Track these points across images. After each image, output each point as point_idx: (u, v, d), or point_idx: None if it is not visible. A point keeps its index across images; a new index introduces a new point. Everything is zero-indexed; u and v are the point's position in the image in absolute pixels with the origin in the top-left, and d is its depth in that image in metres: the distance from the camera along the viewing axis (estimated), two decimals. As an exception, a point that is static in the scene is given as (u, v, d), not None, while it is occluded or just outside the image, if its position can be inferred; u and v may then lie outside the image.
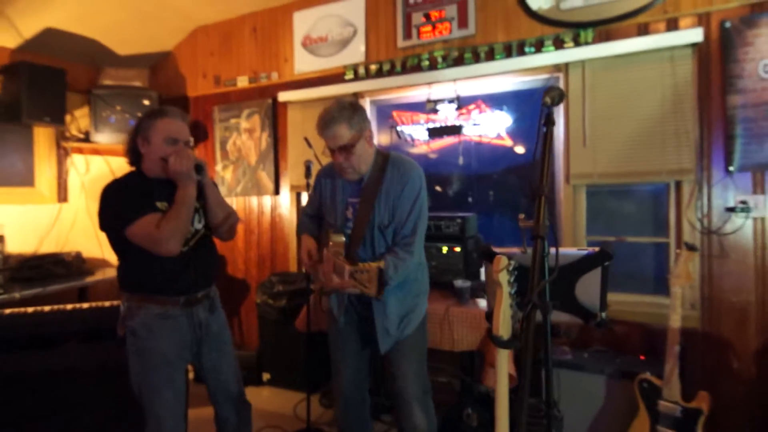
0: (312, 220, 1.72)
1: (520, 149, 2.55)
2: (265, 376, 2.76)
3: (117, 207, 1.42)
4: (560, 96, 1.06)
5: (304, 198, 2.91)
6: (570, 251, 0.99)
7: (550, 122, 1.02)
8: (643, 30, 2.13)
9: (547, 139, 1.00)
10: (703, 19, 2.03)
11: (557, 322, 0.99)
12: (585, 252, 0.97)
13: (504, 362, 0.90)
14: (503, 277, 0.85)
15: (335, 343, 1.67)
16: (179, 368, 1.50)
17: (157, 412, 1.45)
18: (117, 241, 1.46)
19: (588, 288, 0.98)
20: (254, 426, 1.73)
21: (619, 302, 2.17)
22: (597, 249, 0.98)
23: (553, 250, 0.87)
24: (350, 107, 1.48)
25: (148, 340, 1.45)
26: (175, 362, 1.48)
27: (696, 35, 1.99)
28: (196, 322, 1.51)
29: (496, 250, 0.96)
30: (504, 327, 0.85)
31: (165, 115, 1.48)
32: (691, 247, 1.81)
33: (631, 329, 2.10)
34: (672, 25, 2.08)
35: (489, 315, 0.86)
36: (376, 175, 1.51)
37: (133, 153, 1.50)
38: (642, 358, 1.99)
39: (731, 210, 1.96)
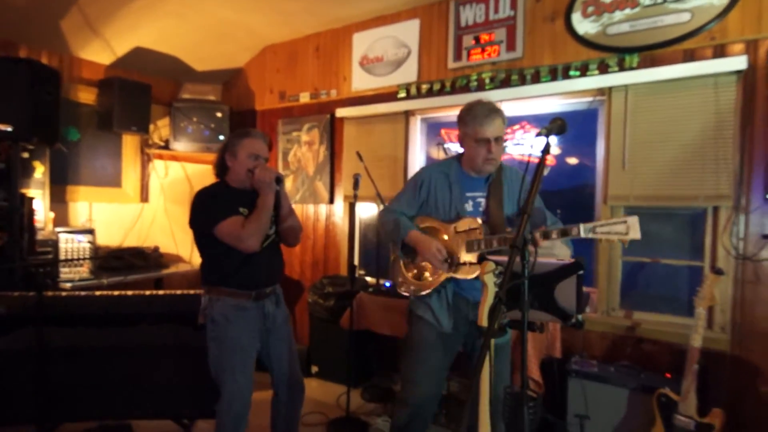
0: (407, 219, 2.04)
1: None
2: (314, 369, 3.60)
3: (208, 209, 1.94)
4: (560, 128, 1.33)
5: (358, 208, 3.60)
6: (549, 261, 1.52)
7: (545, 150, 1.31)
8: (689, 56, 2.58)
9: (540, 165, 1.30)
10: (750, 47, 2.44)
11: (536, 320, 1.52)
12: (561, 262, 1.50)
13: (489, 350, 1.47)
14: (489, 279, 1.44)
15: (424, 352, 1.94)
16: (250, 354, 1.99)
17: (230, 390, 1.93)
18: (203, 240, 1.98)
19: (566, 293, 1.47)
20: (302, 410, 2.26)
21: (650, 321, 2.67)
22: (572, 260, 1.50)
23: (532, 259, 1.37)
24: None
25: (225, 328, 1.93)
26: (247, 348, 1.97)
27: (740, 63, 2.41)
28: (265, 314, 2.03)
29: (490, 258, 1.53)
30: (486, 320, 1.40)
31: (250, 135, 2.04)
32: (717, 271, 2.26)
33: (661, 348, 2.57)
34: (719, 52, 2.51)
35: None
36: (497, 173, 1.98)
37: (221, 166, 2.06)
38: (668, 375, 2.44)
39: (767, 237, 2.34)
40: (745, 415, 2.37)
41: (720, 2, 2.48)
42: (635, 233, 1.57)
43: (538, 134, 1.35)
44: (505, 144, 2.02)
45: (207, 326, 1.99)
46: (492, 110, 1.88)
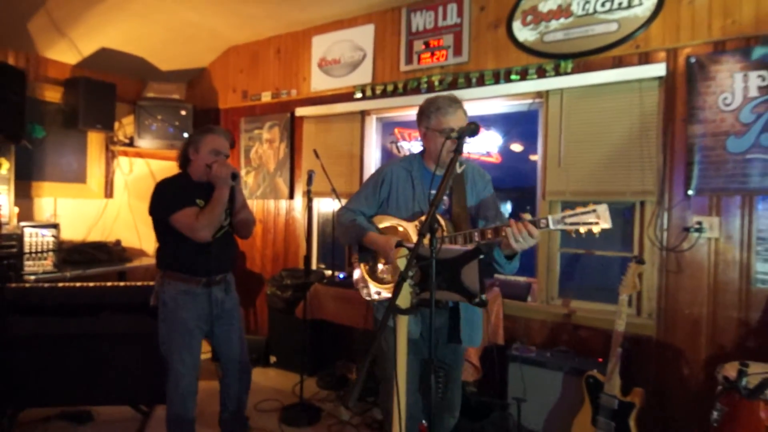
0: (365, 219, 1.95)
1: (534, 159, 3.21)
2: (272, 359, 3.67)
3: (166, 198, 2.06)
4: (472, 131, 1.44)
5: (317, 204, 3.72)
6: (455, 247, 1.64)
7: (457, 150, 1.46)
8: (617, 62, 2.77)
9: (452, 163, 1.42)
10: (671, 55, 2.63)
11: (444, 299, 1.58)
12: (464, 249, 1.62)
13: (403, 327, 1.58)
14: (401, 262, 1.56)
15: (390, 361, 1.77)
16: (197, 336, 2.13)
17: (176, 368, 2.08)
18: (160, 226, 2.09)
19: (470, 275, 1.57)
20: (256, 398, 2.37)
21: (585, 309, 2.82)
22: (473, 246, 1.62)
23: (438, 245, 1.48)
24: None
25: (174, 310, 2.07)
26: (194, 330, 2.11)
27: (659, 70, 2.60)
28: (213, 300, 2.15)
29: (404, 245, 1.65)
30: (402, 299, 1.52)
31: (213, 132, 2.17)
32: (638, 261, 2.42)
33: (595, 334, 2.73)
34: (643, 59, 2.70)
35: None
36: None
37: (184, 159, 2.19)
38: (600, 360, 2.59)
39: (687, 230, 2.54)
40: (669, 395, 2.53)
41: (643, 14, 2.68)
42: (606, 222, 1.49)
43: (449, 137, 1.49)
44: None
45: (158, 308, 2.12)
46: (454, 101, 1.86)
